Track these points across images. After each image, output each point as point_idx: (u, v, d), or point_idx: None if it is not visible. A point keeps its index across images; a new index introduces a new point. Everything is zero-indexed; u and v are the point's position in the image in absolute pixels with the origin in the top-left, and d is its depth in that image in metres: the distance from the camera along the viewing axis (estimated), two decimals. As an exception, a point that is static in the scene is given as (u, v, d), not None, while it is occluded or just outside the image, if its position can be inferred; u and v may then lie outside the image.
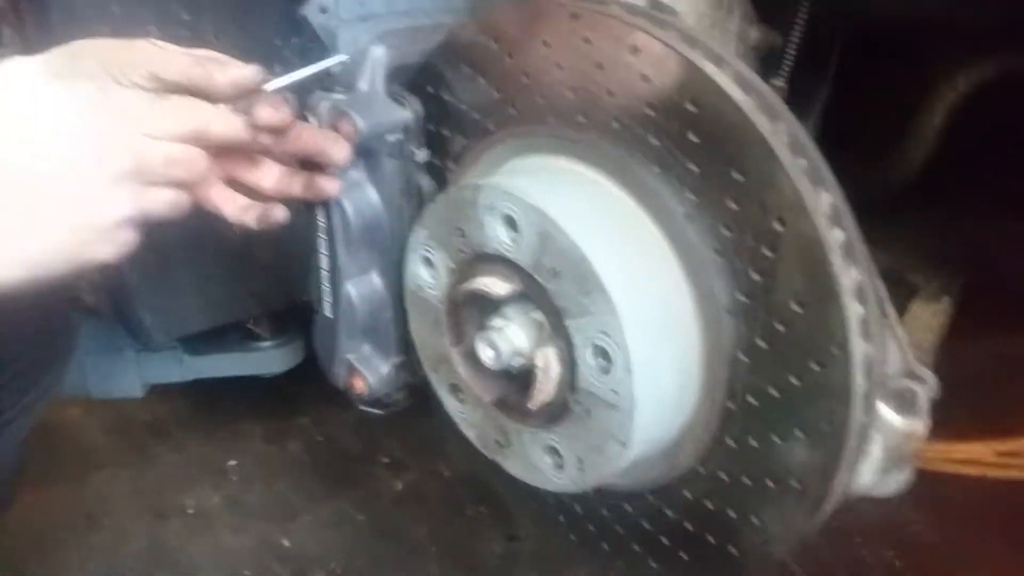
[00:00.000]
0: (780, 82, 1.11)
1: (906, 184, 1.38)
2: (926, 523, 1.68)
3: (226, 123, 0.84)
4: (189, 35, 1.31)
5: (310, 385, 2.19)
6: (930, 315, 1.08)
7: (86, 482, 2.03)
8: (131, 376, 1.73)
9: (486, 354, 0.90)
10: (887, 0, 1.18)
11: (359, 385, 1.12)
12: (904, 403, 0.80)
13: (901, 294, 1.24)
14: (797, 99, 1.17)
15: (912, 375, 0.80)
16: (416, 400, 1.21)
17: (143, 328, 1.40)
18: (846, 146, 1.33)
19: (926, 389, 0.80)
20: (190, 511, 1.98)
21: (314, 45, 1.34)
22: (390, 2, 1.41)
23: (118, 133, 0.77)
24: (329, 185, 0.97)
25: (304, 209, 1.06)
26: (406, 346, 1.11)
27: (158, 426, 2.24)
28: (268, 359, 1.84)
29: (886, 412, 0.81)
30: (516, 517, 1.87)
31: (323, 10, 1.31)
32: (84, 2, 1.25)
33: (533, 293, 0.88)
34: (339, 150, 0.95)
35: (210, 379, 1.95)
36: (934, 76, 1.37)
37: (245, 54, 0.90)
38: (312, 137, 0.95)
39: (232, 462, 2.14)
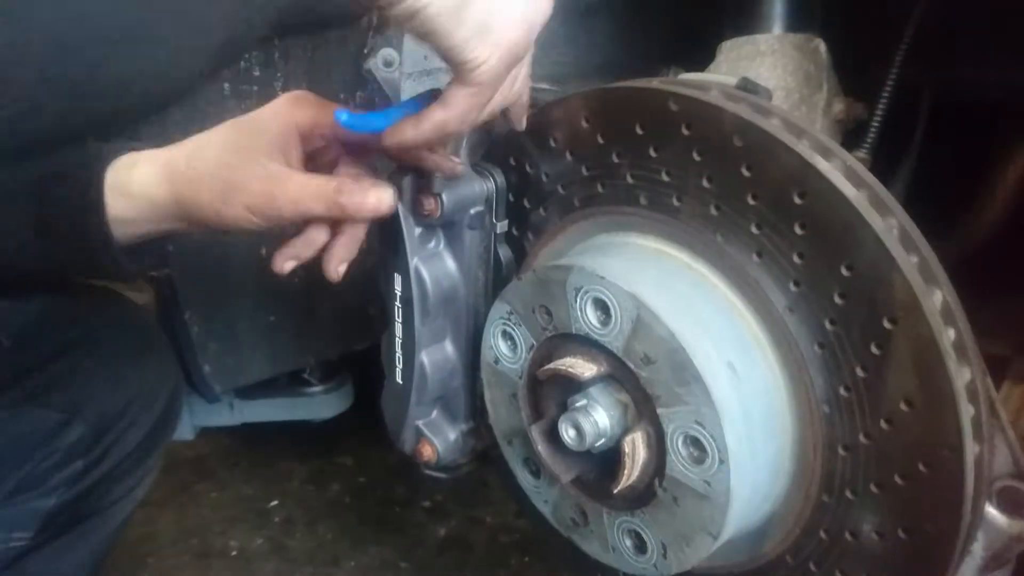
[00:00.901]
0: (864, 153, 1.09)
1: (982, 249, 1.35)
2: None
3: None
4: (258, 90, 1.32)
5: (353, 425, 2.19)
6: (1020, 396, 1.05)
7: (131, 519, 2.03)
8: (182, 420, 1.72)
9: (569, 434, 0.88)
10: (974, 70, 1.16)
11: (427, 452, 1.10)
12: (1012, 504, 0.77)
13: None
14: (882, 170, 1.16)
15: (1021, 476, 0.77)
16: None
17: (203, 379, 1.39)
18: (920, 211, 1.31)
19: (1034, 490, 0.78)
20: (233, 553, 1.98)
21: (379, 98, 1.35)
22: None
23: None
24: None
25: (376, 274, 1.06)
26: (475, 413, 1.10)
27: (202, 464, 2.24)
28: (317, 405, 1.84)
29: (992, 513, 0.78)
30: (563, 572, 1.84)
31: (388, 64, 1.32)
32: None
33: (621, 377, 0.86)
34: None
35: (255, 419, 1.96)
36: (1009, 139, 1.35)
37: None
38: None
39: (274, 503, 2.13)
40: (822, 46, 1.04)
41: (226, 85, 1.26)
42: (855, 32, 1.09)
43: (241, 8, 0.96)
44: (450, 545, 1.99)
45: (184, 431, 1.72)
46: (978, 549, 0.80)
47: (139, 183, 0.88)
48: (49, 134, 0.80)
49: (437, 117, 0.78)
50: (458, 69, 0.74)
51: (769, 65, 1.01)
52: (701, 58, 1.17)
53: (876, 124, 1.07)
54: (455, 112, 0.77)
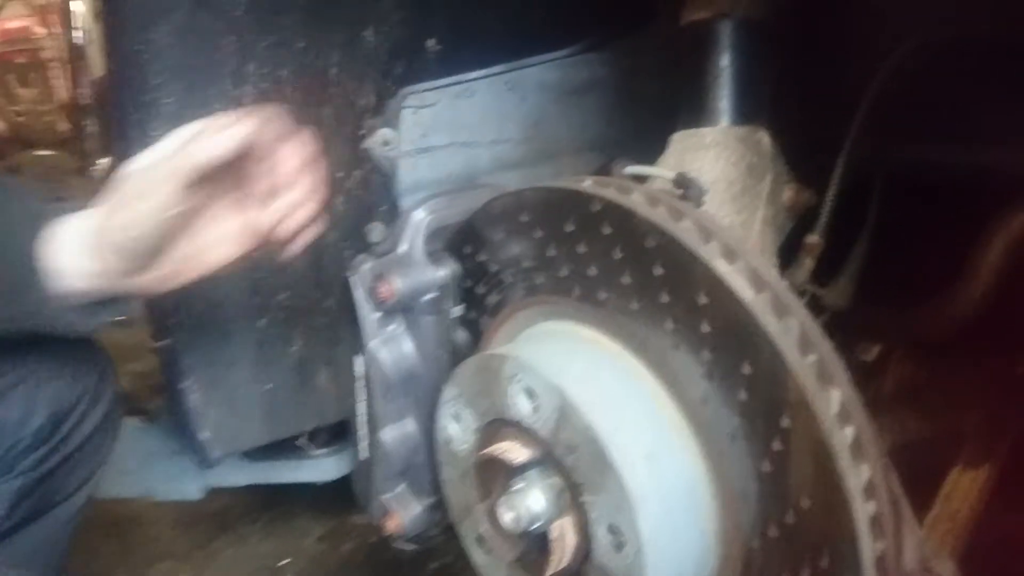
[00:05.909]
0: (817, 237, 1.11)
1: (961, 327, 1.34)
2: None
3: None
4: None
5: (368, 484, 2.25)
6: (969, 482, 1.05)
7: (149, 576, 2.11)
8: (193, 480, 1.80)
9: (507, 516, 0.91)
10: (925, 150, 1.18)
11: (394, 524, 1.15)
12: (923, 599, 0.78)
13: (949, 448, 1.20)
14: (836, 252, 1.19)
15: (930, 570, 0.78)
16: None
17: (202, 444, 1.46)
18: (895, 290, 1.32)
19: (946, 585, 0.79)
20: (245, 612, 2.03)
21: (375, 176, 1.42)
22: (452, 134, 1.48)
23: None
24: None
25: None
26: (439, 487, 1.14)
27: (222, 519, 2.31)
28: (324, 466, 1.89)
29: (905, 607, 0.79)
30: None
31: (385, 143, 1.39)
32: (157, 125, 1.32)
33: (552, 463, 0.89)
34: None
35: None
36: (984, 216, 1.35)
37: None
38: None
39: (286, 560, 2.19)
40: (765, 137, 1.07)
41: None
42: (806, 121, 1.12)
43: None
44: (457, 608, 2.02)
45: (195, 491, 1.79)
46: (897, 642, 0.80)
47: None
48: None
49: None
50: None
51: (712, 157, 1.04)
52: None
53: (827, 208, 1.10)
54: None
